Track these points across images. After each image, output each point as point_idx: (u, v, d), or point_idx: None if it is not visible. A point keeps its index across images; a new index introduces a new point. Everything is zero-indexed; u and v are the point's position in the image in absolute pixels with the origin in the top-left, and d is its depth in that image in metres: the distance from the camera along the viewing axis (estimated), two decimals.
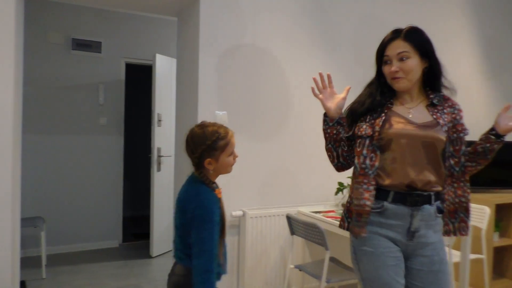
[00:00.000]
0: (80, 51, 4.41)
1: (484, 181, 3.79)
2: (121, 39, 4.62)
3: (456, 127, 1.66)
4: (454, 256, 2.81)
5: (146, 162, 5.36)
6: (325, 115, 1.72)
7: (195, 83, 2.92)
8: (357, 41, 3.34)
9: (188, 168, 1.67)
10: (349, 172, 3.12)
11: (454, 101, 1.74)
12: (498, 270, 3.85)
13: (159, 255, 4.33)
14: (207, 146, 1.56)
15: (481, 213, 3.06)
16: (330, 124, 1.70)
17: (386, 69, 1.68)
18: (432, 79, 1.70)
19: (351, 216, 1.66)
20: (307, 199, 3.16)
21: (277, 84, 3.09)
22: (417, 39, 1.64)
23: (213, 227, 1.53)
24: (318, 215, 2.82)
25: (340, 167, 1.79)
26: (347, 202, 1.73)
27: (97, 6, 4.29)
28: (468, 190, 1.66)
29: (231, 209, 2.94)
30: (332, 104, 1.70)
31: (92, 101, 4.48)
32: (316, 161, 3.18)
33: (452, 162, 1.64)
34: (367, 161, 1.63)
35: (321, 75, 1.75)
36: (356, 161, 1.67)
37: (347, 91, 1.74)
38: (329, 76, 1.75)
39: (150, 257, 4.26)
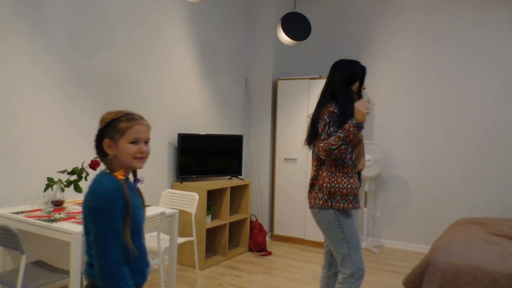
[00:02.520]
0: None
1: (200, 170, 4.21)
2: None
3: None
4: (163, 241, 2.98)
5: None
6: (359, 124, 2.16)
7: None
8: (72, 26, 3.13)
9: None
10: (60, 166, 2.86)
11: None
12: (212, 249, 4.36)
13: None
14: (106, 124, 1.44)
15: (191, 199, 3.36)
16: (361, 130, 2.20)
17: (363, 87, 2.41)
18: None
19: (347, 197, 2.28)
20: (10, 199, 2.76)
21: None
22: None
23: (114, 219, 1.33)
24: (18, 216, 2.50)
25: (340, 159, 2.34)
26: (327, 187, 2.28)
27: None
28: None
29: None
30: (365, 117, 2.18)
31: None
32: (23, 154, 2.82)
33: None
34: (348, 156, 2.33)
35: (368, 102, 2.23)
36: (348, 156, 2.32)
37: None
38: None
39: None
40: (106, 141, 1.44)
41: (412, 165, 4.83)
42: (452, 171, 4.62)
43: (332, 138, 2.19)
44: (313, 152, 2.39)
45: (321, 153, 2.23)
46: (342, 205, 2.25)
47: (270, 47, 5.03)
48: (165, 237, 3.13)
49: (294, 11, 3.76)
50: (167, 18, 3.96)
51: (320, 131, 2.27)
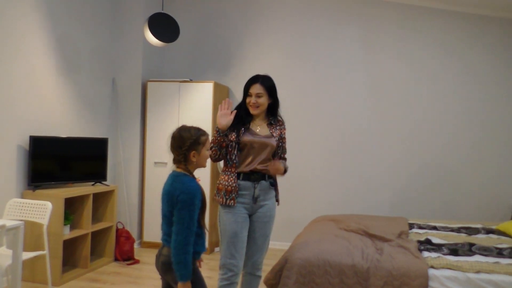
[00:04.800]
0: None
1: (58, 176, 3.85)
2: None
3: (281, 139, 2.76)
4: (5, 257, 2.64)
5: None
6: (217, 128, 2.52)
7: None
8: None
9: None
10: None
11: (282, 123, 2.82)
12: (71, 261, 4.01)
13: None
14: (193, 140, 1.96)
15: (43, 209, 3.05)
16: (221, 134, 2.51)
17: (248, 100, 2.64)
18: (273, 110, 2.74)
19: (220, 192, 2.58)
20: None
21: None
22: (268, 85, 2.64)
23: (194, 210, 1.87)
24: None
25: (217, 160, 2.61)
26: (218, 183, 2.63)
27: None
28: None
29: None
30: (224, 122, 2.49)
31: None
32: None
33: (277, 157, 2.73)
34: (235, 158, 2.58)
35: (226, 101, 2.53)
36: (228, 157, 2.59)
37: (234, 114, 2.54)
38: (230, 102, 2.54)
39: None
40: (194, 152, 1.97)
41: None
42: (312, 172, 5.01)
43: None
44: None
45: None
46: (217, 198, 2.61)
47: (139, 47, 4.85)
48: (9, 253, 2.77)
49: (162, 12, 3.68)
50: (15, 4, 3.53)
51: None
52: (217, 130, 2.53)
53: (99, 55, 4.65)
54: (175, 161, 2.00)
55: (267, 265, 4.34)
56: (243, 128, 2.62)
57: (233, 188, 2.55)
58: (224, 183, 2.58)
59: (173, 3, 5.35)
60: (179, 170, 1.99)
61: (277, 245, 5.03)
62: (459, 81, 4.68)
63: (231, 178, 2.56)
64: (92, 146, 4.19)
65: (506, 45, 4.57)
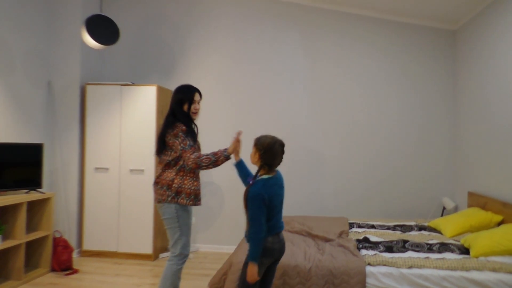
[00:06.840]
0: None
1: None
2: None
3: None
4: None
5: None
6: (229, 156, 2.74)
7: None
8: None
9: None
10: None
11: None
12: (3, 274, 3.77)
13: None
14: None
15: None
16: (226, 160, 2.76)
17: (193, 107, 2.87)
18: None
19: (189, 196, 2.81)
20: None
21: None
22: (200, 94, 2.93)
23: None
24: None
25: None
26: (180, 187, 2.79)
27: None
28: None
29: None
30: (236, 151, 2.72)
31: None
32: None
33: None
34: None
35: (240, 133, 2.70)
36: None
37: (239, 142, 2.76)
38: (240, 133, 2.70)
39: None
40: None
41: (223, 171, 5.11)
42: None
43: (204, 157, 2.71)
44: (160, 158, 2.88)
45: (190, 163, 2.71)
46: (185, 201, 2.79)
47: (76, 49, 4.66)
48: None
49: (100, 13, 3.56)
50: None
51: (181, 146, 2.74)
52: (227, 157, 2.75)
53: (34, 57, 4.41)
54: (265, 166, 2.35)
55: (213, 269, 4.34)
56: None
57: (200, 191, 2.90)
58: (192, 187, 2.83)
59: (112, 4, 5.20)
60: (265, 174, 2.36)
61: (224, 249, 5.04)
62: (396, 86, 4.95)
63: (198, 183, 2.87)
64: (26, 152, 3.96)
65: (443, 53, 4.89)
